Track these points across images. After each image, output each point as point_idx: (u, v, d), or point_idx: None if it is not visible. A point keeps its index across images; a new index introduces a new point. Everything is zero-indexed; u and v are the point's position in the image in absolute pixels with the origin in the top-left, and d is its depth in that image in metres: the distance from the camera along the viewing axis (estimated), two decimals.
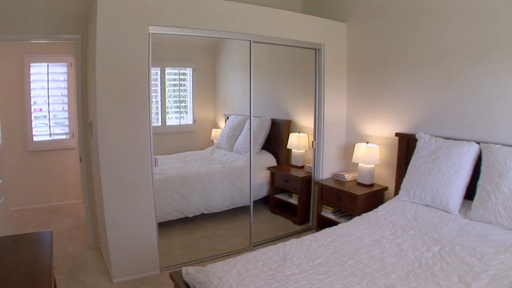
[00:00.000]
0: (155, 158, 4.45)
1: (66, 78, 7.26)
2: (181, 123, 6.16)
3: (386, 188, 5.57)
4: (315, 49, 5.80)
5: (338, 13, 6.16)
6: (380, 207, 4.56)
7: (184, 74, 6.07)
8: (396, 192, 5.07)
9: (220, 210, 6.05)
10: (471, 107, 4.60)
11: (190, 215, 5.72)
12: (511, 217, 3.57)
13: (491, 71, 4.40)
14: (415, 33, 5.13)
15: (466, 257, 3.22)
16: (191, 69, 6.05)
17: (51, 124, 7.31)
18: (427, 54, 5.01)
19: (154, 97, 5.72)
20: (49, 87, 7.14)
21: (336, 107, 6.10)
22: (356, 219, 4.30)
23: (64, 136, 7.50)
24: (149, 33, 4.24)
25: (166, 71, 5.89)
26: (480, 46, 4.49)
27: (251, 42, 5.06)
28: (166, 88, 5.97)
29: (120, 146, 4.19)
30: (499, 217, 3.65)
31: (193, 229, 5.80)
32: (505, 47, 4.29)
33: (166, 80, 5.94)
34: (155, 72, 5.65)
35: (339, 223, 4.25)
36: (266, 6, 5.17)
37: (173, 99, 6.11)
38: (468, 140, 4.43)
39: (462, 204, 4.16)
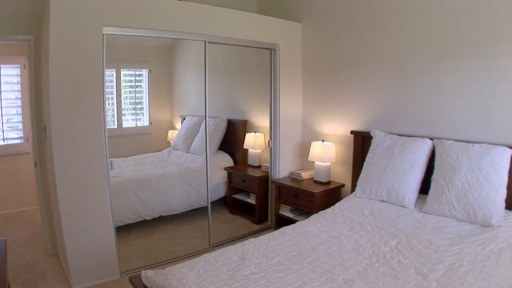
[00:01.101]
0: (111, 161, 4.37)
1: (19, 81, 7.05)
2: (138, 125, 6.07)
3: (343, 185, 5.61)
4: (270, 49, 5.80)
5: (294, 14, 6.17)
6: (337, 204, 4.59)
7: (140, 75, 5.98)
8: (353, 189, 5.10)
9: (179, 212, 5.97)
10: (425, 105, 4.67)
11: (149, 218, 5.63)
12: (465, 210, 3.68)
13: (443, 70, 4.48)
14: (370, 32, 5.19)
15: (423, 249, 3.29)
16: (147, 70, 5.97)
17: (4, 128, 7.09)
18: (382, 53, 5.07)
19: (110, 99, 5.61)
20: (2, 90, 6.93)
21: (291, 106, 6.11)
22: (314, 217, 4.30)
23: (18, 141, 7.28)
24: (103, 34, 4.14)
25: (122, 73, 5.78)
26: (432, 45, 4.57)
27: (206, 42, 5.02)
28: (122, 90, 5.86)
29: (75, 150, 4.09)
30: (453, 210, 3.75)
31: (152, 232, 5.71)
32: (451, 47, 4.39)
33: (122, 81, 5.83)
34: (110, 73, 5.53)
35: (297, 221, 4.23)
36: (222, 6, 5.14)
37: (130, 101, 6.01)
38: (422, 137, 4.52)
39: (418, 199, 4.26)
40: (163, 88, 6.32)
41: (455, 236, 3.50)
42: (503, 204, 3.65)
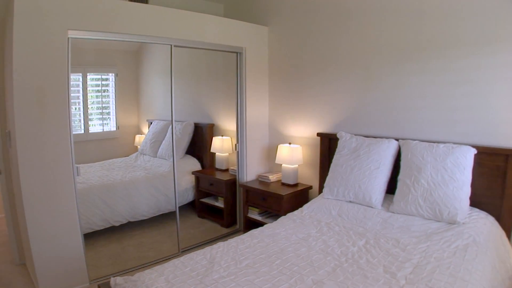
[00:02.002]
0: (77, 167, 4.28)
1: None
2: (105, 130, 5.98)
3: (310, 187, 5.61)
4: (237, 53, 5.78)
5: (260, 17, 6.17)
6: (305, 206, 4.58)
7: (106, 79, 5.88)
8: (320, 191, 5.11)
9: (147, 217, 5.89)
10: (390, 106, 4.72)
11: (117, 224, 5.53)
12: (431, 208, 3.76)
13: (407, 71, 4.54)
14: (336, 35, 5.21)
15: (391, 248, 3.33)
16: (114, 74, 5.89)
17: None
18: (347, 55, 5.09)
19: (76, 104, 5.51)
20: None
21: (258, 109, 6.10)
22: (282, 219, 4.28)
23: None
24: (68, 38, 4.04)
25: (88, 77, 5.67)
26: (396, 47, 4.62)
27: (172, 46, 4.97)
28: (89, 94, 5.74)
29: (40, 156, 3.99)
30: (419, 208, 3.82)
31: (121, 238, 5.62)
32: (415, 49, 4.45)
33: (88, 86, 5.73)
34: (76, 78, 5.43)
35: (266, 224, 4.21)
36: (188, 10, 5.09)
37: (96, 106, 5.91)
38: (387, 137, 4.56)
39: (385, 199, 4.32)
40: (130, 92, 6.24)
41: (422, 234, 3.56)
42: (467, 202, 3.74)
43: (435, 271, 2.84)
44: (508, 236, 3.84)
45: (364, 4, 4.86)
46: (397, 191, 4.13)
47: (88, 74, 5.59)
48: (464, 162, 3.78)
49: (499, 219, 3.88)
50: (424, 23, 4.36)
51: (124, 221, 5.60)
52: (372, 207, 4.21)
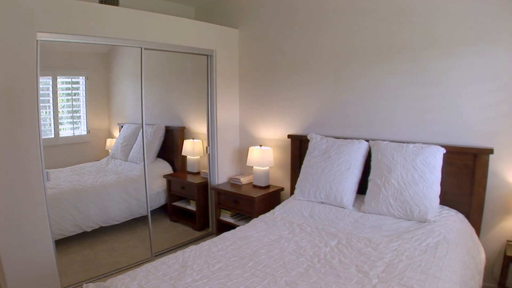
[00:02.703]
0: (47, 172, 4.20)
1: None
2: (75, 134, 5.88)
3: (282, 189, 5.61)
4: (207, 55, 5.74)
5: (231, 20, 6.14)
6: (277, 208, 4.56)
7: (77, 82, 5.78)
8: (292, 192, 5.10)
9: (119, 222, 5.79)
10: (360, 107, 4.76)
11: (89, 229, 5.42)
12: (401, 207, 3.82)
13: (377, 73, 4.59)
14: (306, 37, 5.22)
15: (363, 248, 3.34)
16: (84, 77, 5.79)
17: None
18: (318, 57, 5.11)
19: (47, 108, 5.40)
20: None
21: (228, 112, 6.08)
22: (254, 221, 4.25)
23: None
24: (37, 40, 3.94)
25: (58, 80, 5.57)
26: (366, 49, 4.66)
27: (142, 49, 4.91)
28: (59, 98, 5.63)
29: (9, 161, 3.88)
30: (390, 208, 3.87)
31: (93, 244, 5.51)
32: (385, 51, 4.50)
33: (58, 89, 5.62)
34: (46, 81, 5.33)
35: (239, 226, 4.18)
36: (159, 12, 5.04)
37: (67, 109, 5.81)
38: (358, 139, 4.58)
39: (356, 199, 4.35)
40: (101, 95, 6.14)
41: (394, 233, 3.61)
42: (437, 200, 3.80)
43: (407, 269, 2.87)
44: (478, 233, 3.92)
45: (335, 6, 4.89)
46: (368, 191, 4.17)
47: (58, 77, 5.48)
48: (433, 161, 3.85)
49: (468, 216, 3.98)
50: (395, 26, 4.41)
51: (96, 226, 5.51)
52: (343, 208, 4.23)
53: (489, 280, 4.08)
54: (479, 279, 3.42)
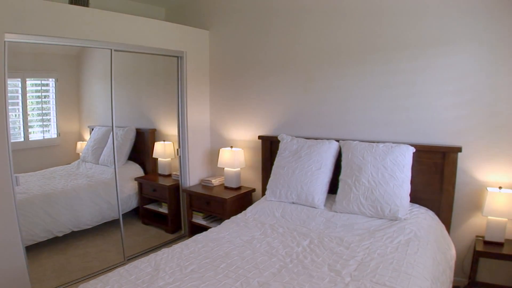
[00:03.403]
0: (16, 177, 4.11)
1: None
2: (45, 137, 5.78)
3: (253, 190, 5.61)
4: (177, 57, 5.70)
5: (202, 21, 6.10)
6: (249, 209, 4.54)
7: (46, 84, 5.68)
8: (264, 193, 5.10)
9: (91, 226, 5.69)
10: (330, 108, 4.79)
11: (60, 235, 5.31)
12: (372, 206, 3.86)
13: (347, 74, 4.63)
14: (276, 38, 5.23)
15: (335, 247, 3.36)
16: (54, 79, 5.69)
17: None
18: (287, 58, 5.12)
19: (16, 111, 5.30)
20: None
21: (199, 113, 6.04)
22: (226, 223, 4.22)
23: None
24: (4, 41, 3.83)
25: (27, 82, 5.46)
26: (336, 50, 4.69)
27: (112, 50, 4.84)
28: (28, 101, 5.52)
29: None
30: (362, 207, 3.91)
31: (65, 249, 5.41)
32: (355, 52, 4.54)
33: (28, 91, 5.52)
34: (15, 83, 5.23)
35: (211, 228, 4.16)
36: (129, 13, 4.97)
37: (37, 112, 5.70)
38: (328, 139, 4.60)
39: (327, 199, 4.37)
40: (71, 98, 6.04)
41: (365, 232, 3.64)
42: (408, 198, 3.88)
43: (379, 267, 2.90)
44: (448, 229, 4.00)
45: (306, 8, 4.90)
46: (339, 190, 4.19)
47: (27, 79, 5.38)
48: (403, 160, 3.92)
49: (438, 213, 4.07)
50: (364, 27, 4.46)
51: (68, 231, 5.41)
52: (315, 208, 4.24)
53: (460, 275, 4.17)
54: (450, 274, 3.49)
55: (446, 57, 4.01)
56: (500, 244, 3.81)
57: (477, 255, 3.80)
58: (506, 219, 3.78)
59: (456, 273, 3.93)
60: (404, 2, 4.19)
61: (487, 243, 3.86)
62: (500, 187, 3.81)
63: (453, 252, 3.76)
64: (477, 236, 4.04)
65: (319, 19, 4.79)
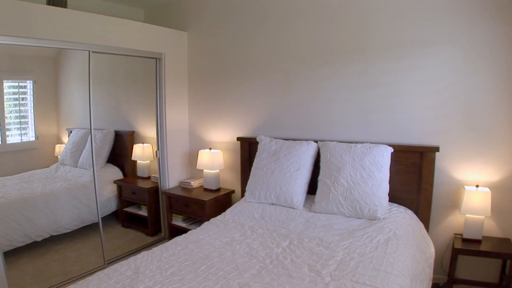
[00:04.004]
0: None
1: None
2: (23, 140, 5.70)
3: (233, 191, 5.59)
4: (156, 58, 5.65)
5: (180, 22, 6.07)
6: (228, 210, 4.52)
7: (24, 87, 5.60)
8: (243, 194, 5.06)
9: (70, 230, 5.61)
10: (308, 109, 4.81)
11: (39, 239, 5.23)
12: (351, 206, 3.88)
13: (324, 75, 4.66)
14: (254, 39, 5.23)
15: (314, 247, 3.37)
16: (32, 81, 5.62)
17: None
18: (266, 60, 5.13)
19: None
20: None
21: (178, 115, 6.01)
22: (205, 224, 4.19)
23: None
24: None
25: (4, 84, 5.38)
26: (314, 51, 4.71)
27: (90, 52, 4.78)
28: (5, 103, 5.45)
29: None
30: (341, 207, 3.93)
31: (44, 254, 5.32)
32: (331, 53, 4.56)
33: (5, 94, 5.44)
34: None
35: (191, 230, 4.14)
36: (108, 15, 4.91)
37: (14, 115, 5.62)
38: (307, 140, 4.60)
39: (306, 199, 4.38)
40: (49, 100, 5.96)
41: (345, 232, 3.67)
42: (386, 198, 3.92)
43: (358, 266, 2.92)
44: (426, 228, 4.05)
45: (283, 9, 4.92)
46: (318, 191, 4.19)
47: (4, 81, 5.31)
48: (381, 160, 3.94)
49: (417, 212, 4.12)
50: (343, 29, 4.49)
51: (47, 236, 5.33)
52: (294, 208, 4.24)
53: (439, 272, 4.22)
54: (429, 272, 3.51)
55: (424, 58, 4.05)
56: (478, 241, 3.86)
57: (455, 253, 3.83)
58: (483, 217, 3.83)
59: (435, 271, 3.98)
60: (381, 6, 4.21)
61: (465, 240, 3.90)
62: (477, 186, 3.86)
63: (432, 250, 3.79)
64: (455, 234, 4.09)
65: (298, 22, 4.79)
